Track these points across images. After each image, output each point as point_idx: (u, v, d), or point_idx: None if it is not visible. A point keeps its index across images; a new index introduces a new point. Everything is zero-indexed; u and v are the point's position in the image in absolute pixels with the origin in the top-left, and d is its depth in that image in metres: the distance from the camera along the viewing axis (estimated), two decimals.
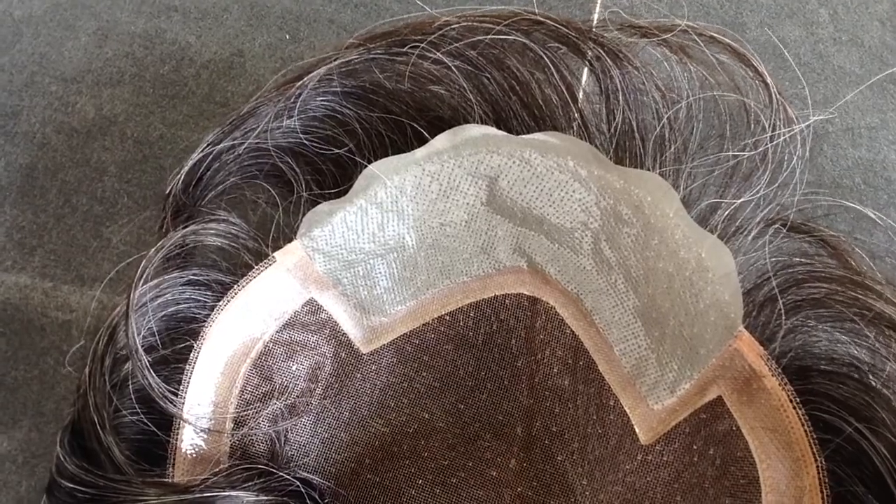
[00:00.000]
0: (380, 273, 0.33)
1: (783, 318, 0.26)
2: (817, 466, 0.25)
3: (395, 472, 0.33)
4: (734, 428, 0.28)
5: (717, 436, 0.28)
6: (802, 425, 0.26)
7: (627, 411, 0.31)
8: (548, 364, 0.33)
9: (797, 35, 0.44)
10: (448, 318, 0.34)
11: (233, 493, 0.25)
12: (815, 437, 0.25)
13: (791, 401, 0.26)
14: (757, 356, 0.27)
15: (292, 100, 0.31)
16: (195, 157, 0.30)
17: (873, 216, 0.32)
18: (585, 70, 0.33)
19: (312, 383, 0.33)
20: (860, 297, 0.25)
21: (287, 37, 0.45)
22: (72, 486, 0.25)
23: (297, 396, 0.32)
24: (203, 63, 0.44)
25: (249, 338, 0.31)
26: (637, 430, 0.31)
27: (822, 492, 0.25)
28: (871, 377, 0.25)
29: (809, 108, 0.29)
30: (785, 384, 0.26)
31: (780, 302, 0.26)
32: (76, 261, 0.39)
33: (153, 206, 0.40)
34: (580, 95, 0.33)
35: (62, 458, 0.26)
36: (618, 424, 0.31)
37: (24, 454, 0.36)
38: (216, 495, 0.25)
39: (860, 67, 0.43)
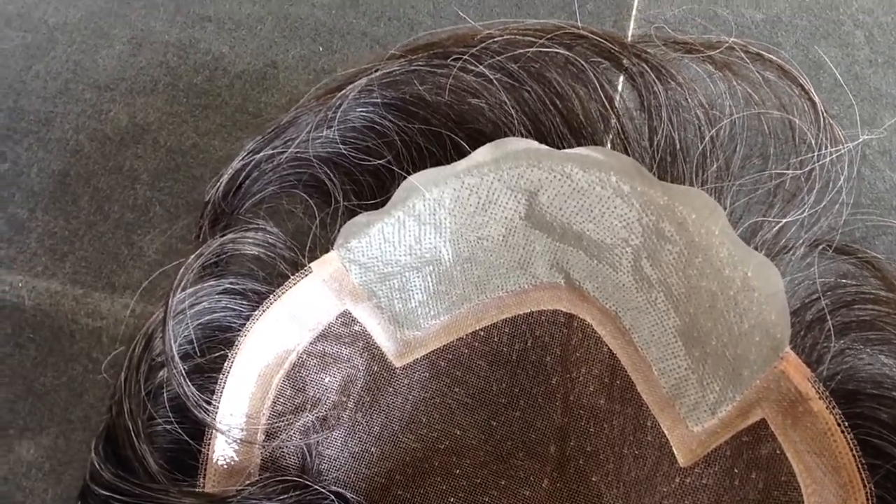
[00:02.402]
0: (415, 286, 0.32)
1: (832, 339, 0.26)
2: (866, 493, 0.25)
3: (426, 488, 0.33)
4: (778, 451, 0.27)
5: (759, 459, 0.28)
6: (851, 450, 0.25)
7: (665, 432, 0.30)
8: (583, 382, 0.33)
9: (833, 56, 0.44)
10: (482, 333, 0.33)
11: None
12: (864, 462, 0.25)
13: (839, 424, 0.26)
14: (804, 378, 0.26)
15: (333, 110, 0.31)
16: (236, 164, 0.30)
17: None
18: (621, 83, 0.32)
19: (344, 396, 0.33)
20: None
21: (320, 49, 0.45)
22: (107, 493, 0.25)
23: (329, 409, 0.32)
24: (237, 73, 0.45)
25: (283, 349, 0.31)
26: (675, 452, 0.30)
27: None
28: None
29: (858, 127, 0.28)
30: (833, 407, 0.26)
31: (830, 323, 0.26)
32: (107, 268, 0.39)
33: (185, 215, 0.40)
34: (616, 98, 0.33)
35: (97, 465, 0.26)
36: (655, 446, 0.31)
37: (51, 461, 0.35)
38: None
39: None
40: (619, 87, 0.31)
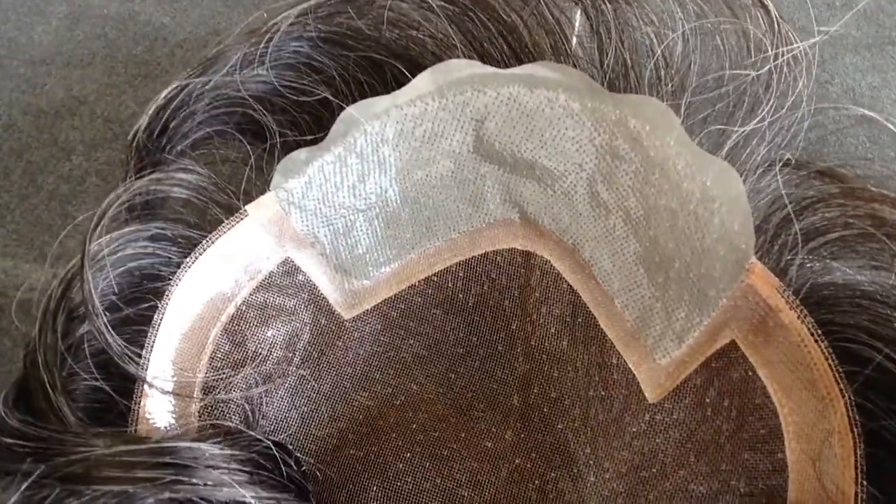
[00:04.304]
0: (361, 230, 0.30)
1: (799, 243, 0.24)
2: (845, 403, 0.23)
3: (381, 445, 0.30)
4: (750, 373, 0.25)
5: (731, 385, 0.26)
6: (826, 359, 0.23)
7: (632, 368, 0.28)
8: (544, 325, 0.31)
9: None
10: (436, 279, 0.31)
11: (194, 444, 0.23)
12: (841, 370, 0.23)
13: (812, 334, 0.24)
14: (772, 289, 0.24)
15: (263, 43, 0.29)
16: (160, 101, 0.28)
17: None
18: (579, 14, 0.31)
19: (289, 352, 0.30)
20: (876, 210, 0.23)
21: (265, 16, 0.44)
22: (11, 441, 0.22)
23: (273, 365, 0.30)
24: (177, 42, 0.43)
25: (220, 299, 0.29)
26: (643, 389, 0.28)
27: (852, 430, 0.23)
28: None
29: (814, 25, 0.27)
30: (805, 317, 0.24)
31: (797, 226, 0.24)
32: (39, 239, 0.37)
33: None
34: (574, 42, 0.31)
35: (4, 415, 0.23)
36: (622, 384, 0.29)
37: None
38: (176, 446, 0.22)
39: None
40: (578, 19, 0.30)
